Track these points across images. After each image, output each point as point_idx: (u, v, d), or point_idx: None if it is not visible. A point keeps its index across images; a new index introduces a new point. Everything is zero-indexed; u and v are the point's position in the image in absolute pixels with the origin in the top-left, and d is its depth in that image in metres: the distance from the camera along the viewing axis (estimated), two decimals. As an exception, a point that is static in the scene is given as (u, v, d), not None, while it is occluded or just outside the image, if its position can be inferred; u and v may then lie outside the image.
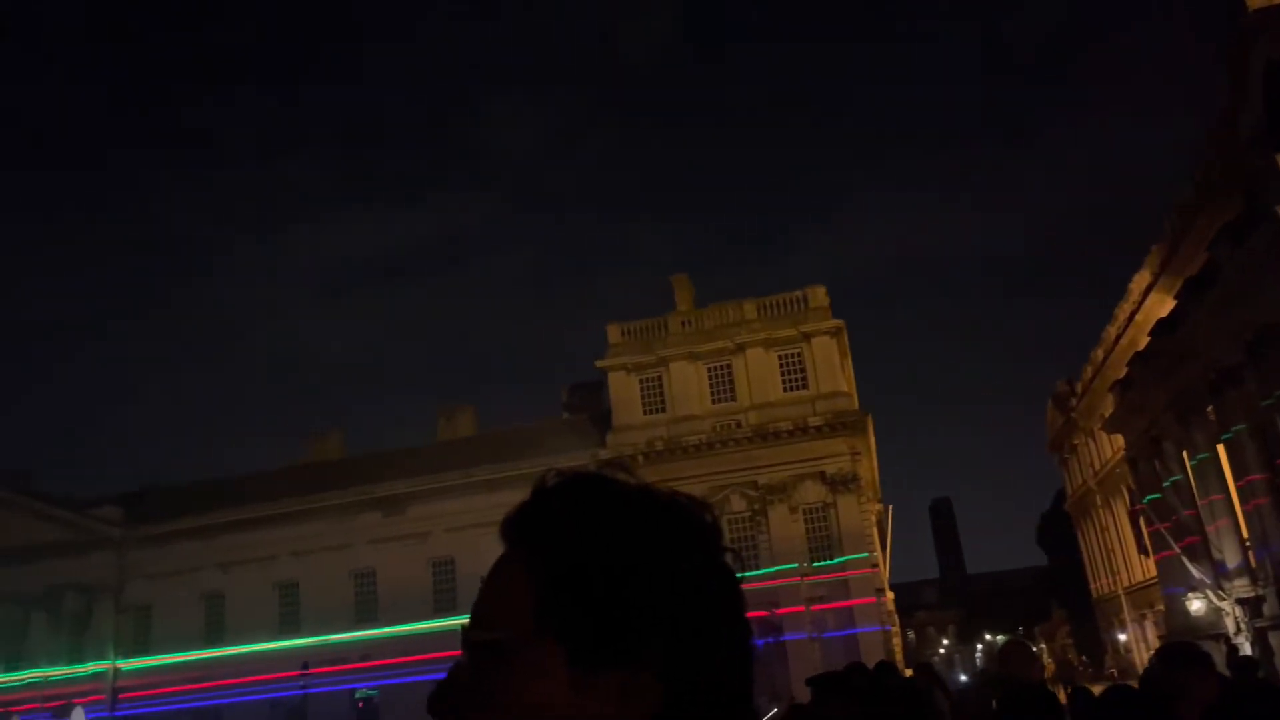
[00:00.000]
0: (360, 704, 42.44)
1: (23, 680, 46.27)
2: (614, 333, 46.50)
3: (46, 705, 45.78)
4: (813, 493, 41.96)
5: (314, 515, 45.98)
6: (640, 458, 43.05)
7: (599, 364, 46.20)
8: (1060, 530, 74.44)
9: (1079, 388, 58.40)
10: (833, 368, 43.79)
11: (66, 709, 45.96)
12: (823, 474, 41.98)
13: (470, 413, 53.15)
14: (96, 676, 46.10)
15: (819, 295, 44.88)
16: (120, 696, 45.95)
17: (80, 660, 46.35)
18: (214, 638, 46.02)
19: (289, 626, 45.48)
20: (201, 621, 46.59)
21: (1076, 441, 61.82)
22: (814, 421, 42.15)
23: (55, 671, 46.17)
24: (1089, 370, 54.99)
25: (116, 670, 46.41)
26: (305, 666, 39.20)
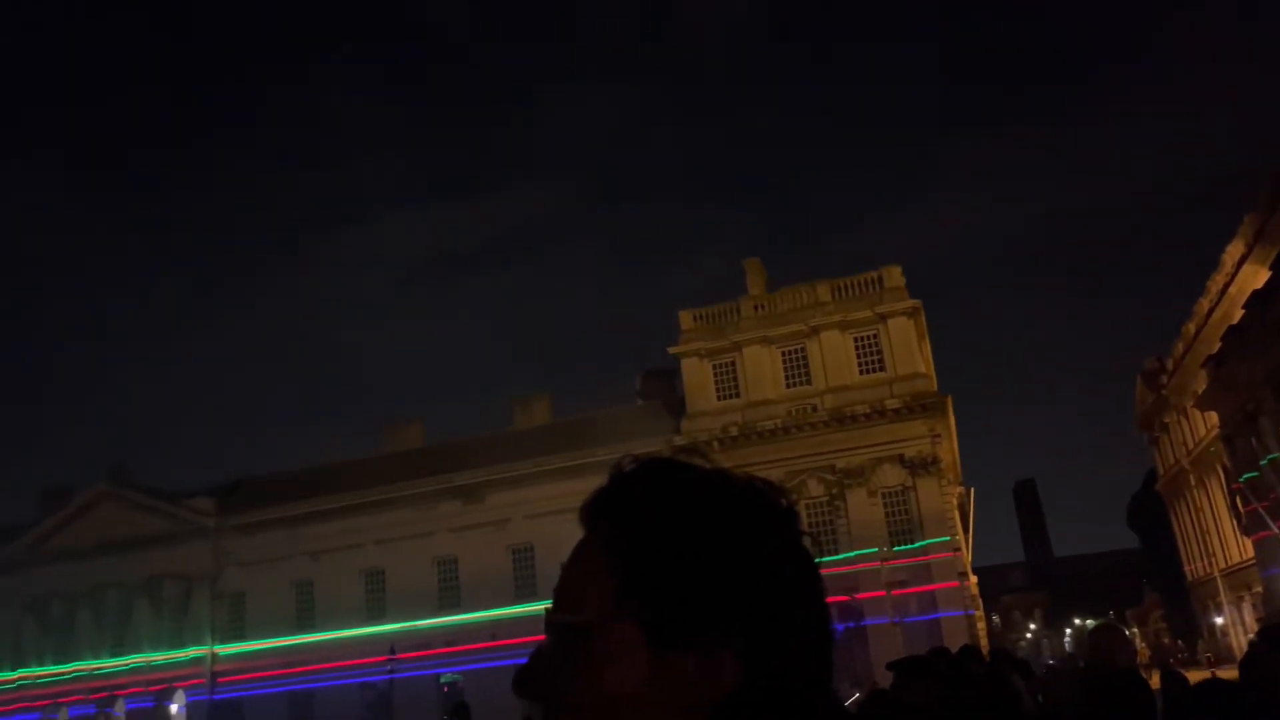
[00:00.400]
0: (445, 688, 43.30)
1: (127, 665, 48.39)
2: (686, 319, 46.42)
3: (150, 689, 47.82)
4: (892, 476, 41.39)
5: (396, 504, 47.00)
6: (715, 443, 42.97)
7: (672, 350, 46.20)
8: (1152, 511, 72.25)
9: (1170, 364, 56.46)
10: (910, 349, 43.07)
11: (168, 692, 47.98)
12: (902, 457, 41.38)
13: (545, 401, 53.64)
14: (196, 661, 47.92)
15: (895, 275, 44.15)
16: (218, 680, 47.71)
17: (180, 645, 48.23)
18: (304, 623, 47.44)
19: (376, 612, 46.63)
20: (292, 608, 48.05)
21: (1168, 419, 59.82)
22: (892, 404, 41.54)
23: (157, 656, 48.15)
24: (1180, 346, 53.12)
25: (214, 655, 48.17)
26: (392, 651, 40.13)
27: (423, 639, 43.81)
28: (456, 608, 45.32)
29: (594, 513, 1.00)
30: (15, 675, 49.69)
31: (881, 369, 42.94)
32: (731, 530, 0.93)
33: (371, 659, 42.06)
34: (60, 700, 48.89)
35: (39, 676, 49.32)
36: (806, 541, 0.98)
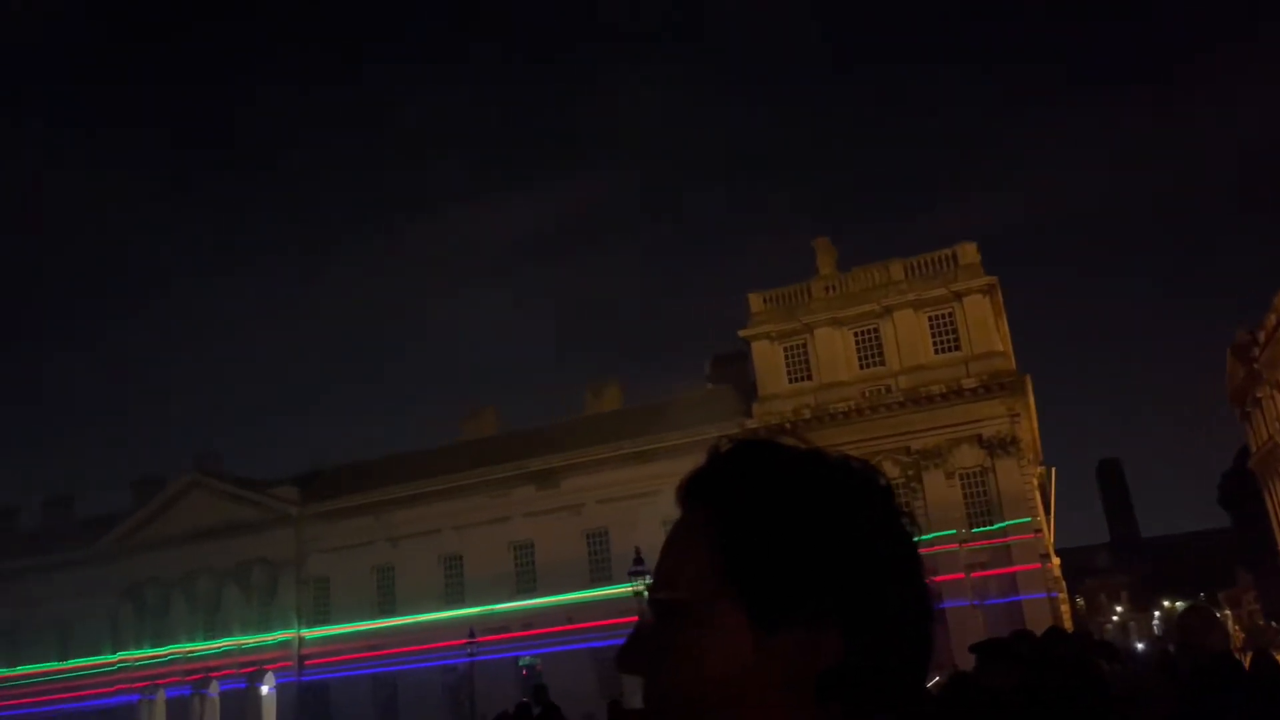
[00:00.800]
0: (524, 671, 43.93)
1: (220, 648, 50.15)
2: (756, 301, 46.12)
3: (242, 671, 49.51)
4: (969, 457, 40.66)
5: (472, 490, 47.73)
6: (787, 426, 42.66)
7: (742, 333, 45.96)
8: (1245, 489, 69.81)
9: (1261, 336, 54.32)
10: (987, 327, 42.18)
11: (259, 674, 49.61)
12: (979, 437, 40.61)
13: (616, 387, 53.89)
14: (283, 644, 49.43)
15: (969, 252, 43.23)
16: (306, 663, 49.15)
17: (268, 629, 49.81)
18: (386, 608, 48.57)
19: (454, 597, 47.51)
20: (374, 593, 49.22)
21: (1260, 394, 57.59)
22: (968, 383, 40.76)
23: (247, 640, 49.81)
24: (1272, 317, 51.06)
25: (301, 639, 49.62)
26: (471, 635, 40.83)
27: (500, 623, 44.51)
28: (533, 592, 45.93)
29: (692, 493, 1.01)
30: (116, 658, 51.90)
31: (957, 348, 42.15)
32: (830, 508, 0.94)
33: (451, 642, 42.84)
34: (158, 682, 50.92)
35: (138, 659, 51.43)
36: (904, 520, 0.98)
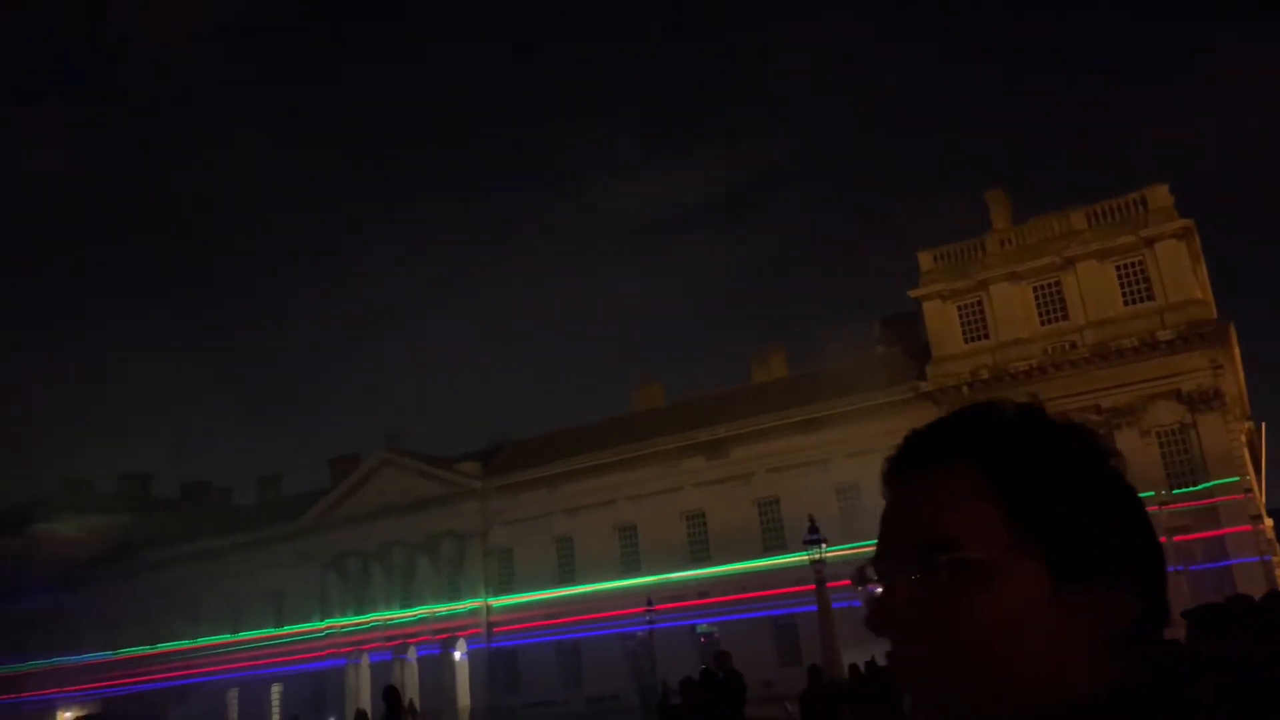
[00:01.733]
0: (702, 639, 44.45)
1: (416, 616, 53.16)
2: (926, 260, 44.53)
3: (437, 637, 52.34)
4: (1167, 414, 38.04)
5: (644, 462, 48.48)
6: (964, 388, 41.15)
7: (912, 294, 44.51)
8: None
9: None
10: (1182, 274, 39.21)
11: (452, 641, 52.31)
12: (1178, 392, 37.91)
13: (782, 355, 53.38)
14: (473, 612, 51.90)
15: (1160, 195, 40.21)
16: (494, 630, 51.45)
17: (458, 598, 52.39)
18: (566, 577, 50.15)
19: (631, 566, 48.52)
20: (554, 562, 50.90)
21: None
22: (1163, 335, 38.06)
23: (440, 608, 52.56)
24: None
25: (488, 607, 51.95)
26: (650, 603, 41.61)
27: (677, 591, 45.15)
28: (707, 561, 46.32)
29: (956, 446, 0.96)
30: (324, 625, 55.90)
31: (1150, 298, 39.40)
32: (1099, 464, 0.95)
33: (629, 610, 43.84)
34: (362, 647, 54.53)
35: (343, 626, 55.21)
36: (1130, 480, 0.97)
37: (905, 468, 0.98)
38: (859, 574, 0.98)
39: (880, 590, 0.94)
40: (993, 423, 0.97)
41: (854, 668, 21.41)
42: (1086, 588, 0.87)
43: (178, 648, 59.88)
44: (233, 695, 59.18)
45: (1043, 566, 0.88)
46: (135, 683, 58.62)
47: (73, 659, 62.83)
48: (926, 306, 43.94)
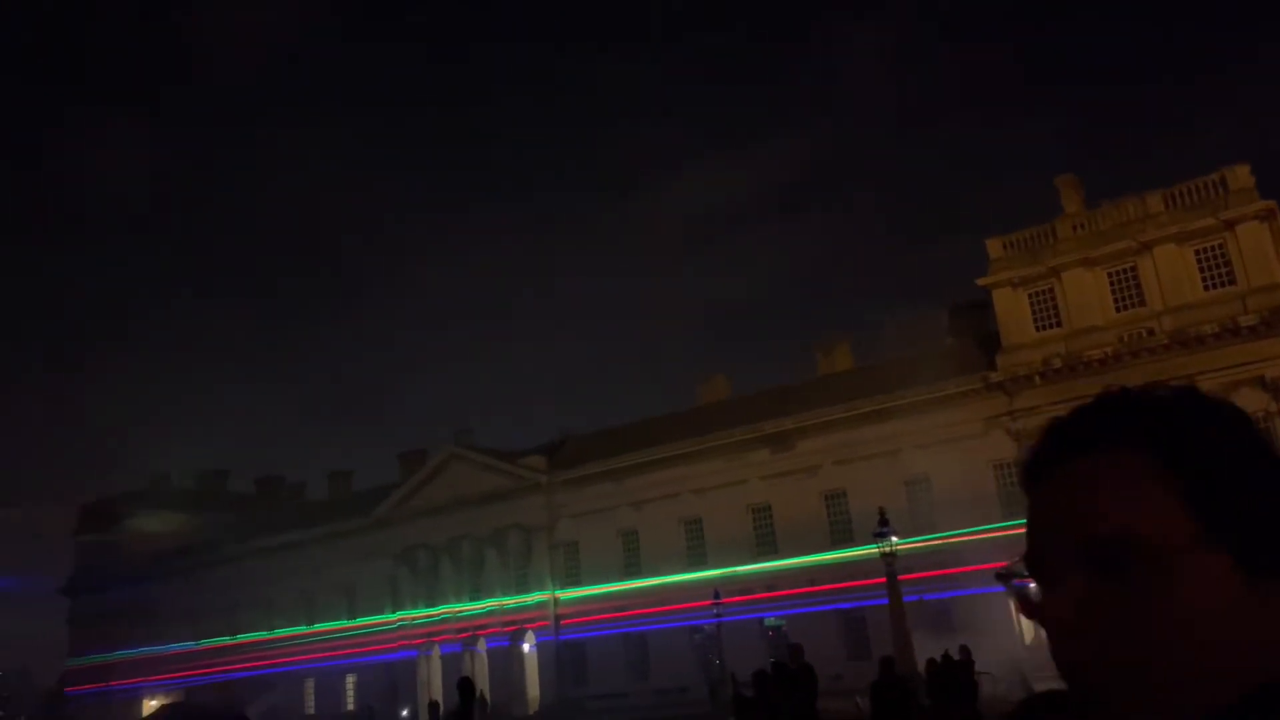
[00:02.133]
0: (770, 632, 44.21)
1: (485, 608, 53.83)
2: (995, 247, 43.63)
3: (506, 629, 52.93)
4: (1252, 401, 36.68)
5: (709, 455, 48.36)
6: (1036, 378, 40.25)
7: (981, 282, 43.64)
8: None
9: None
10: (1265, 257, 37.81)
11: (520, 633, 52.87)
12: (1262, 379, 36.61)
13: (846, 346, 52.78)
14: (540, 605, 52.36)
15: (1241, 175, 38.80)
16: (562, 623, 51.85)
17: (526, 591, 52.91)
18: (632, 570, 50.29)
19: (697, 559, 48.46)
20: (620, 555, 51.08)
21: None
22: (1246, 321, 36.75)
23: (508, 600, 53.14)
24: None
25: (556, 600, 52.35)
26: (716, 596, 41.51)
27: (743, 584, 44.97)
28: (773, 554, 46.05)
29: (1097, 438, 0.90)
30: (396, 617, 56.93)
31: (1231, 282, 38.08)
32: (1269, 449, 0.90)
33: (696, 603, 43.76)
34: (433, 639, 55.40)
35: (415, 618, 56.15)
36: None
37: (1051, 460, 0.92)
38: (1006, 573, 0.93)
39: (1037, 589, 0.89)
40: (1158, 406, 0.91)
41: (931, 661, 21.18)
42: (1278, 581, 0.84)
43: (256, 639, 61.57)
44: (309, 685, 60.64)
45: (1235, 562, 0.84)
46: (216, 672, 60.38)
47: (157, 649, 65.05)
48: (996, 295, 43.06)
